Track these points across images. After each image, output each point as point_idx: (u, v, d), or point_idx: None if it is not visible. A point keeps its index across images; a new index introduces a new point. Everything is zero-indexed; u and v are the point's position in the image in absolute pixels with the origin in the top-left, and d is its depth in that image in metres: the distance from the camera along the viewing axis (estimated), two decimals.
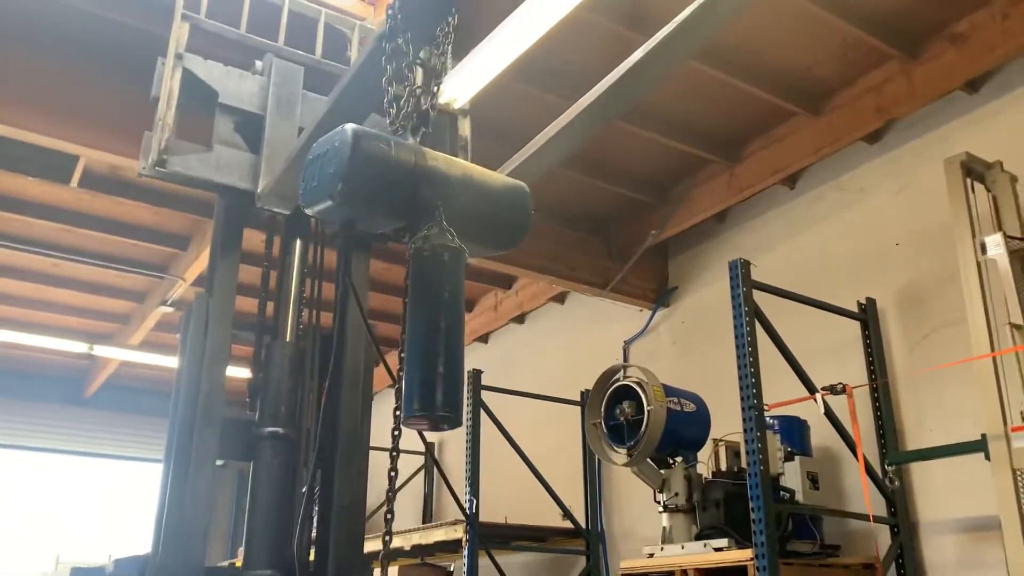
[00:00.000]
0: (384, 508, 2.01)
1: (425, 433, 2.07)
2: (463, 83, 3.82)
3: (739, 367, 4.29)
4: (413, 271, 1.92)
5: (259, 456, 3.13)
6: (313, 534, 3.04)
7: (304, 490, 2.79)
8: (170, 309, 8.05)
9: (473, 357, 8.90)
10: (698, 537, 4.77)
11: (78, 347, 8.92)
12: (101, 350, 9.08)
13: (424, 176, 1.98)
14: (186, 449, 2.96)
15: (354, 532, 2.99)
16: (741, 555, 4.29)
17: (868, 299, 5.18)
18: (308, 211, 2.03)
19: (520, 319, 8.44)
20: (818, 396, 4.38)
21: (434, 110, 2.24)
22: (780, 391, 4.68)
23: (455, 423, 1.84)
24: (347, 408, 3.11)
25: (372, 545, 4.99)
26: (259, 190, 3.35)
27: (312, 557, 3.01)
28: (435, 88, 2.29)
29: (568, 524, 6.65)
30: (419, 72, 2.34)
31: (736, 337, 4.35)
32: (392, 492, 1.98)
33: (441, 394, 1.80)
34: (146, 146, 3.31)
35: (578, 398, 6.83)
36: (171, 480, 2.93)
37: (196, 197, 6.25)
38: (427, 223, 1.95)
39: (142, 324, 8.66)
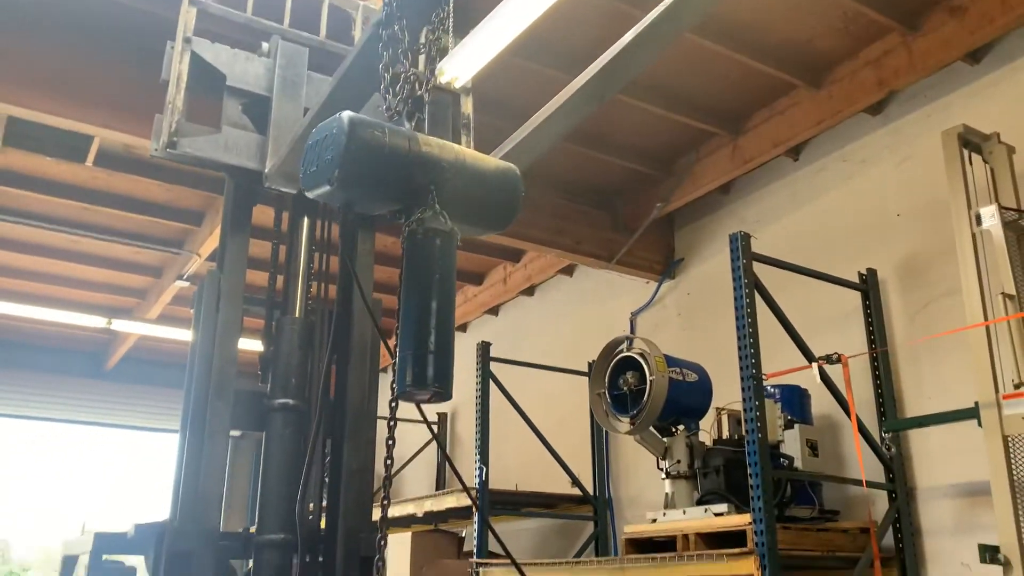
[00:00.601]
0: (394, 476, 2.15)
1: (433, 404, 2.18)
2: (465, 62, 3.88)
3: (738, 338, 4.39)
4: (407, 253, 2.03)
5: (271, 426, 3.27)
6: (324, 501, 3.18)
7: (308, 459, 2.91)
8: (186, 284, 8.22)
9: (483, 329, 9.04)
10: (699, 503, 4.90)
11: (98, 321, 9.13)
12: (120, 324, 9.29)
13: (417, 161, 2.07)
14: (201, 420, 3.10)
15: (362, 498, 3.13)
16: (740, 520, 4.41)
17: (869, 270, 5.25)
18: (308, 194, 2.14)
19: (529, 291, 8.54)
20: (814, 365, 4.47)
21: (429, 95, 2.33)
22: (783, 361, 4.78)
23: (445, 397, 1.97)
24: (355, 381, 3.23)
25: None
26: (267, 170, 3.45)
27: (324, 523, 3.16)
28: (430, 74, 2.38)
29: (576, 491, 6.82)
30: (415, 58, 2.43)
31: (736, 309, 4.44)
32: (390, 459, 2.11)
33: (432, 370, 1.92)
34: (157, 128, 3.43)
35: (586, 369, 6.94)
36: (187, 450, 3.08)
37: (209, 174, 6.38)
38: (421, 206, 2.06)
39: (159, 299, 8.84)
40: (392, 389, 2.02)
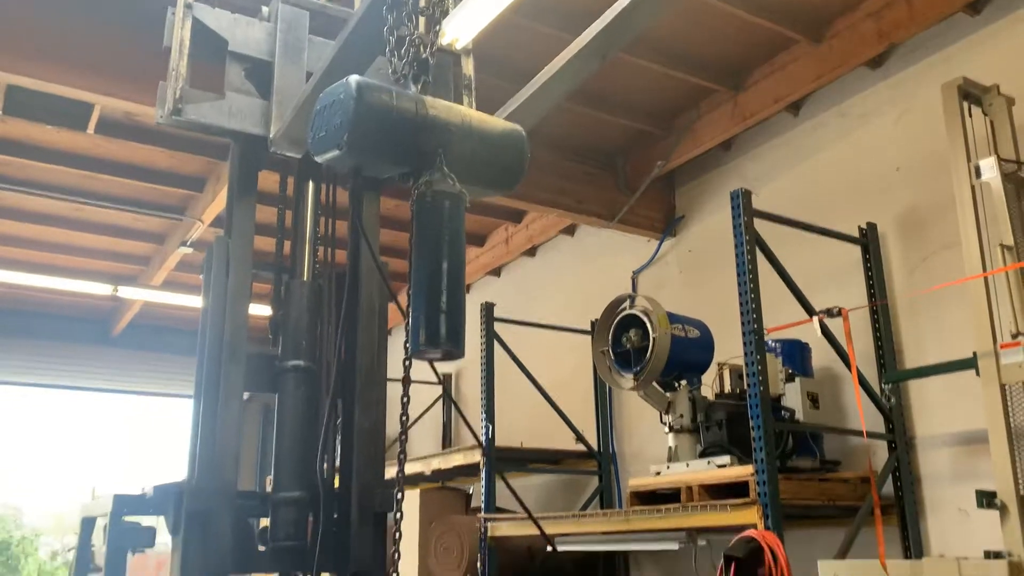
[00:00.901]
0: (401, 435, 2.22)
1: (439, 364, 2.25)
2: (465, 22, 3.89)
3: (740, 293, 4.45)
4: (417, 216, 2.08)
5: (283, 388, 3.34)
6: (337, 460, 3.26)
7: (326, 420, 2.98)
8: (189, 250, 8.26)
9: (486, 290, 9.09)
10: (702, 455, 4.99)
11: (103, 289, 9.19)
12: (125, 291, 9.35)
13: (425, 124, 2.11)
14: (215, 383, 3.17)
15: (375, 456, 3.21)
16: (743, 471, 4.50)
17: (869, 224, 5.29)
18: (317, 159, 2.18)
19: (531, 252, 8.59)
20: (815, 319, 4.53)
21: (433, 58, 2.35)
22: (784, 315, 4.84)
23: (457, 355, 2.03)
24: (364, 342, 3.29)
25: (394, 471, 5.26)
26: (271, 135, 3.48)
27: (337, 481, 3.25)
28: (434, 36, 2.40)
29: (581, 447, 6.94)
30: (419, 21, 2.44)
31: (737, 265, 4.49)
32: (405, 415, 2.17)
33: (444, 329, 1.98)
34: (161, 95, 3.43)
35: (589, 327, 7.02)
36: (202, 412, 3.15)
37: (209, 140, 6.36)
38: (429, 169, 2.09)
39: (163, 265, 8.88)
40: (405, 349, 2.07)
